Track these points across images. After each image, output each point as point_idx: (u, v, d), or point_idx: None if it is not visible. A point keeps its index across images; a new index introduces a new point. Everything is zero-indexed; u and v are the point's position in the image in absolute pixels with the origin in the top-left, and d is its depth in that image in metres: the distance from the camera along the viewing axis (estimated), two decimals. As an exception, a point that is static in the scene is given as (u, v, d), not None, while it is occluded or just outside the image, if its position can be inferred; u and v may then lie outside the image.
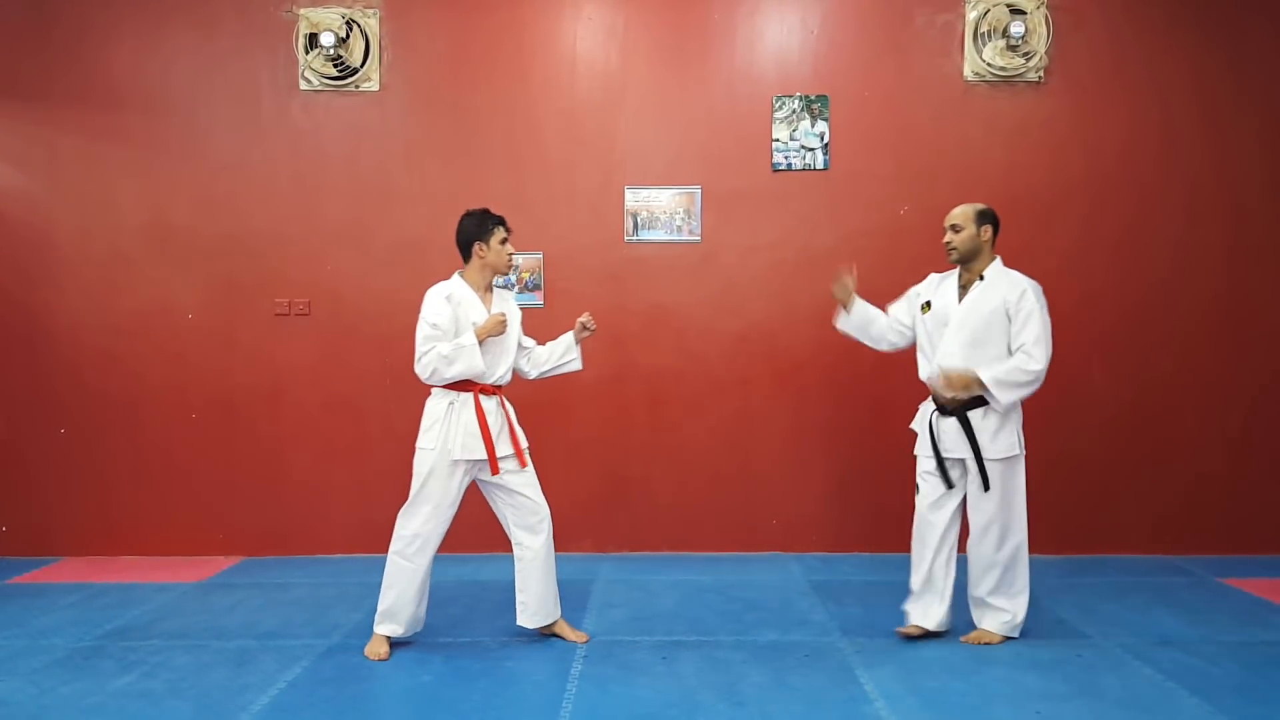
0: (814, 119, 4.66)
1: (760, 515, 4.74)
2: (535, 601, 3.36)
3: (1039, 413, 4.67)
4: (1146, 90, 4.63)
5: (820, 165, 4.68)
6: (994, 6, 4.56)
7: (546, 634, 3.46)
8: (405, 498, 3.30)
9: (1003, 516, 3.32)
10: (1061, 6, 4.58)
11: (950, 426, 3.35)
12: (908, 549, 4.73)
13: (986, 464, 3.29)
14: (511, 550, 3.40)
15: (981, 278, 3.36)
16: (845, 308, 3.59)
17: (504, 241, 3.33)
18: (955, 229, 3.37)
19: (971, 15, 4.60)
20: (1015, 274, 3.37)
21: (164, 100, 4.69)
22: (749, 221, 4.70)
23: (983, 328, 3.29)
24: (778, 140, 4.67)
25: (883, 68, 4.67)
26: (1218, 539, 4.65)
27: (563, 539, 4.73)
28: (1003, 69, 4.59)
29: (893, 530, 4.70)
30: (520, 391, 4.61)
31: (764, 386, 4.72)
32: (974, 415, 3.31)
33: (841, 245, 4.68)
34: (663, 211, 4.70)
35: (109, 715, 2.79)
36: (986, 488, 3.30)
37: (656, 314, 4.72)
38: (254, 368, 4.71)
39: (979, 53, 4.60)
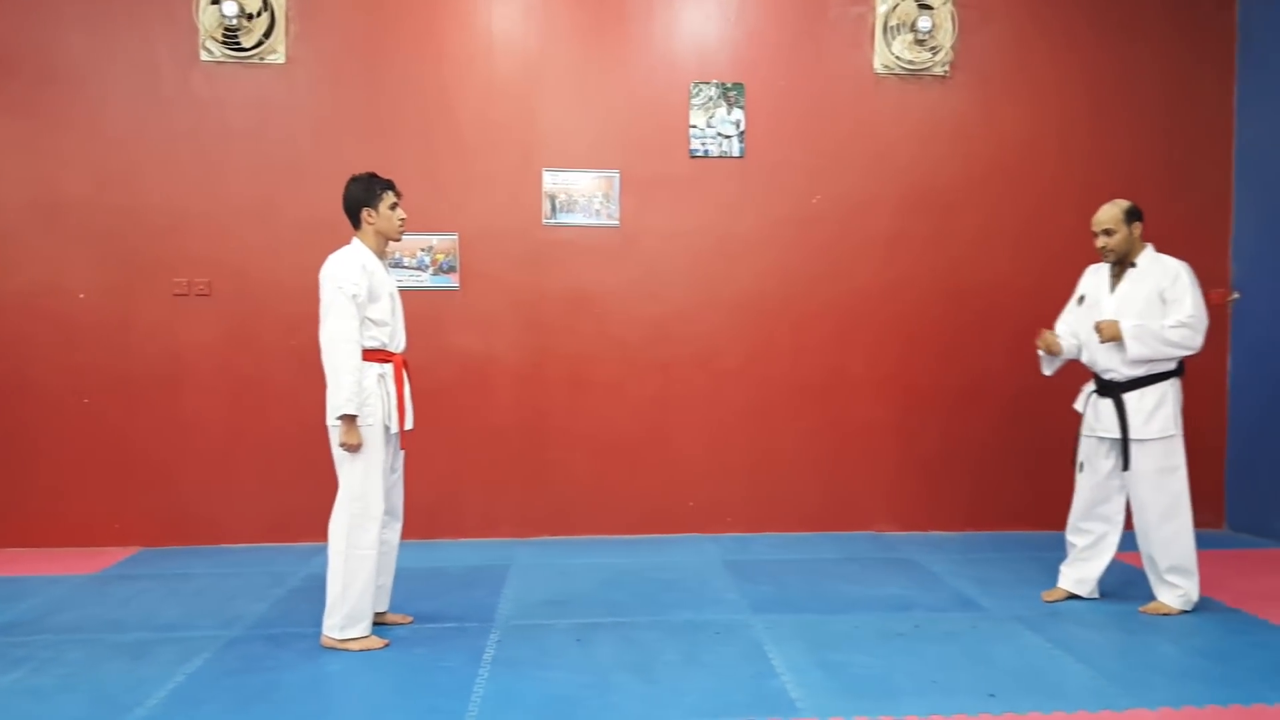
0: (730, 106, 4.70)
1: (678, 497, 4.79)
2: (389, 586, 3.35)
3: (950, 396, 4.85)
4: (1048, 86, 4.83)
5: (736, 153, 4.73)
6: (903, 1, 4.68)
7: (377, 620, 3.34)
8: (314, 484, 3.20)
9: (1161, 496, 3.42)
10: (967, 3, 4.73)
11: (1106, 407, 3.49)
12: (820, 528, 4.86)
13: (1138, 444, 3.40)
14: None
15: (1134, 265, 3.48)
16: (1057, 353, 3.64)
17: (394, 206, 3.22)
18: (1109, 233, 3.47)
19: (882, 9, 4.71)
20: (1167, 259, 3.47)
21: (52, 68, 4.42)
22: (668, 207, 4.73)
23: (1136, 315, 3.41)
24: (695, 127, 4.70)
25: (798, 58, 4.75)
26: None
27: (481, 524, 4.73)
28: (911, 63, 4.72)
29: (808, 510, 4.84)
30: (439, 374, 4.55)
31: (683, 371, 4.77)
32: (1129, 396, 3.43)
33: (759, 232, 4.76)
34: (581, 195, 4.68)
35: (-9, 714, 2.65)
36: (1126, 467, 3.44)
37: (576, 298, 4.71)
38: (152, 350, 4.51)
39: (889, 46, 4.71)
